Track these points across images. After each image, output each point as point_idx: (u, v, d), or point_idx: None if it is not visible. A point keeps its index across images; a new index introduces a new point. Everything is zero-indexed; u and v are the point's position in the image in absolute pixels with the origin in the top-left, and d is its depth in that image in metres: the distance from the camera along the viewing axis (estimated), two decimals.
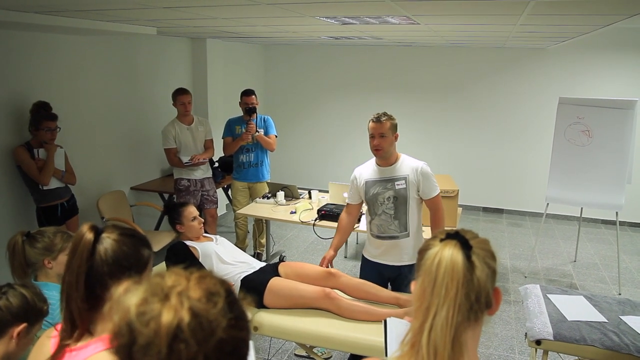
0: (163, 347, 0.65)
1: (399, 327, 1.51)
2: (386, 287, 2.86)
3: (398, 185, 2.74)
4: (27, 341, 1.57)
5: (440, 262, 0.93)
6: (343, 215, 3.05)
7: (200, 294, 0.70)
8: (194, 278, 0.73)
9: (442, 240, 0.97)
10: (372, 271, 2.90)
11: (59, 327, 1.13)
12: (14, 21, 2.94)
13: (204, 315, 0.68)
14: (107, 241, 1.12)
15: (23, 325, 1.54)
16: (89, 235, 1.10)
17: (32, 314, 1.58)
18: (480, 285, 0.94)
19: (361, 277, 2.98)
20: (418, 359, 0.91)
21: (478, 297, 0.93)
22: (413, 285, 1.00)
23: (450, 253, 0.93)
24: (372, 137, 2.73)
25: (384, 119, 2.71)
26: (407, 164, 2.79)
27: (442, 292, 0.91)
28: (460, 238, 0.96)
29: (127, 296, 0.70)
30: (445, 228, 1.05)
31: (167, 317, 0.66)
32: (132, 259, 1.13)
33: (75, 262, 1.08)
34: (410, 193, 2.74)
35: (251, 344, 0.77)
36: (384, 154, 2.74)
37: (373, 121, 2.73)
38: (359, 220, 3.71)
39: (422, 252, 1.00)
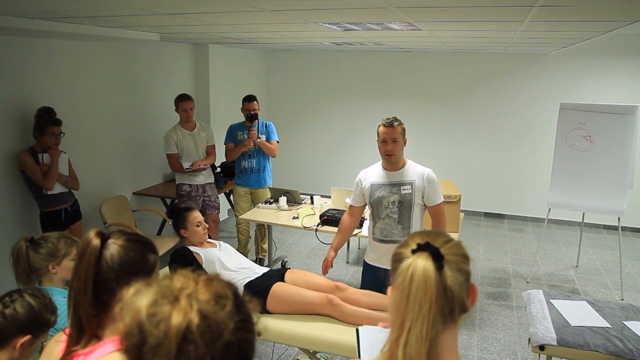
0: (172, 348, 0.66)
1: (371, 335, 1.53)
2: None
3: (404, 190, 2.74)
4: (31, 351, 1.56)
5: (412, 277, 0.92)
6: (345, 217, 3.06)
7: (208, 297, 0.71)
8: (202, 281, 0.74)
9: (413, 251, 0.95)
10: (372, 275, 2.90)
11: (67, 331, 1.13)
12: (19, 27, 2.97)
13: (212, 317, 0.69)
14: (114, 247, 1.11)
15: (27, 337, 1.52)
16: (96, 242, 1.09)
17: (38, 326, 1.56)
18: (454, 296, 0.93)
19: (362, 281, 2.99)
20: None
21: (452, 308, 0.93)
22: (389, 292, 0.99)
23: (422, 266, 0.92)
24: (384, 142, 2.70)
25: (396, 123, 2.69)
26: (414, 170, 2.79)
27: (416, 308, 0.90)
28: (431, 249, 0.94)
29: (138, 297, 0.72)
30: (422, 231, 1.04)
31: (176, 318, 0.67)
32: (139, 265, 1.12)
33: (83, 268, 1.08)
34: (415, 199, 2.74)
35: None
36: (395, 158, 2.74)
37: (385, 126, 2.69)
38: (360, 225, 3.72)
39: (396, 261, 0.99)
